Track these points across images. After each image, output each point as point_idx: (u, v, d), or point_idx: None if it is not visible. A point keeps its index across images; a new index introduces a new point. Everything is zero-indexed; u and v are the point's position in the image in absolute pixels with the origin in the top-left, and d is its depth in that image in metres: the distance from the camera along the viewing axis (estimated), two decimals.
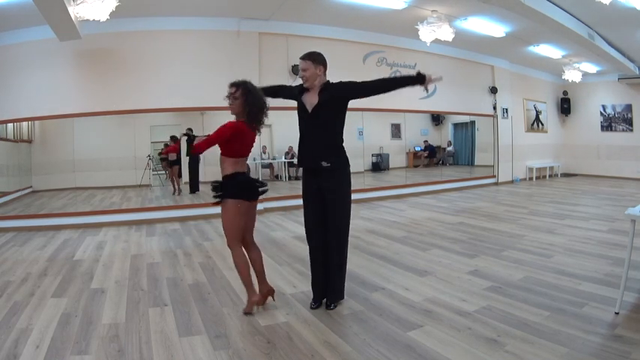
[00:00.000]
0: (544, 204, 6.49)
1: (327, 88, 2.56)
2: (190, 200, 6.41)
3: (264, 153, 7.64)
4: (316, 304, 2.61)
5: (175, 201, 6.32)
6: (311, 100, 2.55)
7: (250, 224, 2.63)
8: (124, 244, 4.50)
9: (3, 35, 5.36)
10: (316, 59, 2.57)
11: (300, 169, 2.66)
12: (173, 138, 6.55)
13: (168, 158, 6.61)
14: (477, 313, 2.46)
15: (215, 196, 2.51)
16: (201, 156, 6.40)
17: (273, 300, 2.68)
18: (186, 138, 6.34)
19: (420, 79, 2.53)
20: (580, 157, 11.03)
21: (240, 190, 2.49)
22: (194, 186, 6.65)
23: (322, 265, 2.59)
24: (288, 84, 3.02)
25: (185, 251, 4.13)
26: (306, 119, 2.57)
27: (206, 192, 6.58)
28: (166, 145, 6.66)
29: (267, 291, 2.65)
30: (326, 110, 2.52)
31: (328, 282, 2.60)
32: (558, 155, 11.10)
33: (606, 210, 5.80)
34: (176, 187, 6.58)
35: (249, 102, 2.53)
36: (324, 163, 2.49)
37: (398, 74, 7.73)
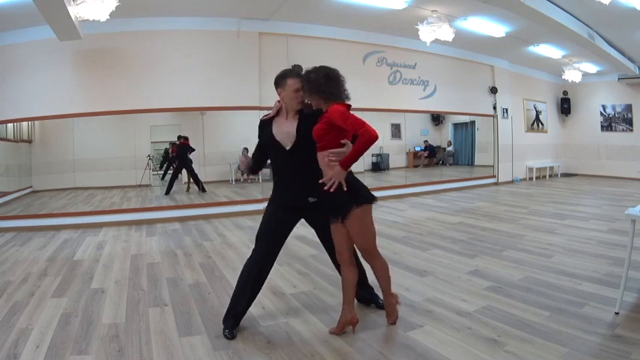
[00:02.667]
0: (544, 204, 6.49)
1: (307, 117, 2.28)
2: (190, 200, 6.41)
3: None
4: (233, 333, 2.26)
5: (175, 201, 6.32)
6: (286, 130, 2.30)
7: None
8: (124, 244, 4.50)
9: (3, 35, 5.36)
10: (277, 82, 2.41)
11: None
12: (183, 137, 6.58)
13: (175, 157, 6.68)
14: (477, 313, 2.46)
15: (354, 203, 2.12)
16: (191, 157, 6.49)
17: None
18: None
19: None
20: (580, 157, 11.03)
21: (367, 190, 2.20)
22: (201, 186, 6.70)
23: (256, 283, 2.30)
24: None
25: (185, 251, 4.13)
26: (282, 154, 2.29)
27: (208, 191, 6.59)
28: (173, 145, 6.68)
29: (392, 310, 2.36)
30: (306, 142, 2.23)
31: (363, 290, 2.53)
32: (558, 155, 11.10)
33: (606, 210, 5.80)
34: (189, 185, 6.68)
35: (318, 83, 2.14)
36: (312, 199, 2.26)
37: (398, 75, 7.80)
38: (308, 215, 2.38)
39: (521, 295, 2.72)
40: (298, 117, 2.30)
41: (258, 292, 2.34)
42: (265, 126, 2.37)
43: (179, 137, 6.49)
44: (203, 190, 6.62)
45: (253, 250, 2.33)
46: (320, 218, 2.32)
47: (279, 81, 2.35)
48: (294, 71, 2.35)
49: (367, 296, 2.60)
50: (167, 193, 6.58)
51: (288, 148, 2.25)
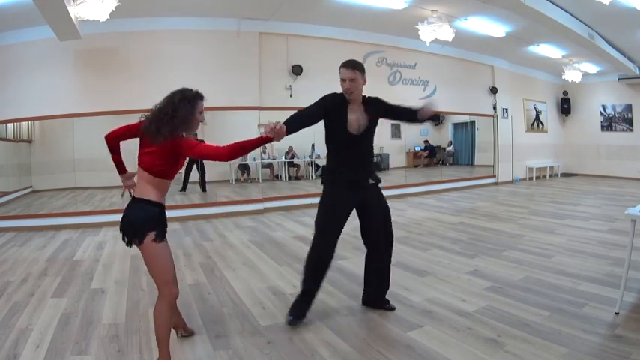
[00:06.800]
0: (544, 204, 6.49)
1: (371, 103, 2.46)
2: (190, 200, 6.41)
3: (264, 153, 7.65)
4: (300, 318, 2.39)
5: (175, 201, 6.33)
6: (357, 117, 2.38)
7: None
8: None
9: (3, 35, 5.36)
10: (362, 68, 2.43)
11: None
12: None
13: None
14: (477, 313, 2.46)
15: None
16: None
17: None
18: None
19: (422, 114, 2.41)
20: (580, 157, 11.02)
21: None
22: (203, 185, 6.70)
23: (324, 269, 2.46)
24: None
25: (185, 251, 4.13)
26: (352, 138, 2.38)
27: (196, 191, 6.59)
28: None
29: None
30: (372, 128, 2.44)
31: (383, 283, 2.59)
32: (558, 155, 11.09)
33: (606, 210, 5.80)
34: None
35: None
36: (371, 181, 2.46)
37: (398, 75, 7.80)
38: (367, 197, 2.45)
39: (521, 295, 2.72)
40: (363, 104, 2.43)
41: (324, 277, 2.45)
42: (339, 107, 2.39)
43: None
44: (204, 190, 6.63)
45: (315, 236, 2.42)
46: (375, 198, 2.46)
47: (363, 67, 2.44)
48: None
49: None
50: (183, 190, 6.60)
51: (359, 129, 2.38)
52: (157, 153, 1.89)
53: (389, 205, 2.55)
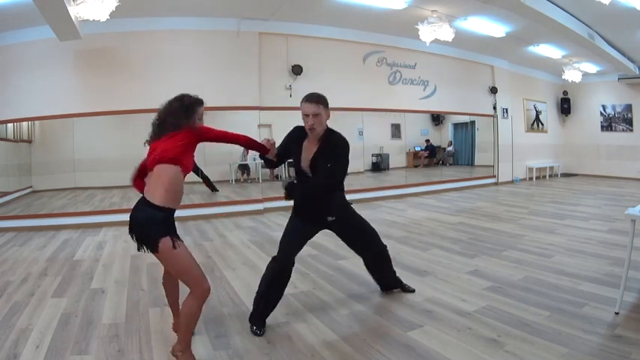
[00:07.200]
0: (544, 204, 6.49)
1: (329, 142, 2.28)
2: (190, 200, 6.41)
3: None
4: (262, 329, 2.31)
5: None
6: (310, 149, 2.31)
7: None
8: (124, 244, 4.49)
9: (3, 35, 5.36)
10: (326, 102, 2.30)
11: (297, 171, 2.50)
12: None
13: None
14: (477, 313, 2.46)
15: None
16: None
17: None
18: None
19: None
20: (580, 157, 11.02)
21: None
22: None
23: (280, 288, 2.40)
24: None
25: None
26: (305, 177, 2.33)
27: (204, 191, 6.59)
28: None
29: None
30: (325, 160, 2.25)
31: (384, 268, 2.76)
32: (558, 155, 11.09)
33: (606, 210, 5.80)
34: None
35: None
36: (330, 218, 2.40)
37: (398, 75, 7.80)
38: (330, 225, 2.50)
39: (521, 295, 2.72)
40: (319, 142, 2.32)
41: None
42: (297, 141, 2.38)
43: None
44: (214, 189, 6.67)
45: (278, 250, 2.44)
46: (340, 219, 2.49)
47: (327, 101, 2.32)
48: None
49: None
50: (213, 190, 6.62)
51: (308, 162, 2.34)
52: (162, 144, 1.91)
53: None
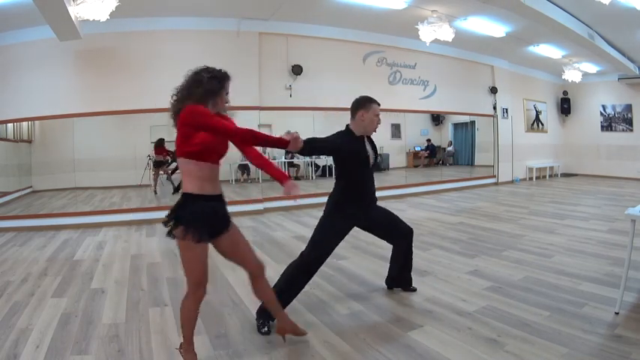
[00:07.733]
0: (544, 204, 6.49)
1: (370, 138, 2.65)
2: None
3: (265, 153, 7.64)
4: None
5: (174, 201, 6.34)
6: (369, 149, 2.58)
7: None
8: (124, 244, 4.50)
9: (3, 35, 5.36)
10: None
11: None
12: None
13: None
14: (477, 313, 2.46)
15: None
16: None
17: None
18: None
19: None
20: (580, 157, 11.02)
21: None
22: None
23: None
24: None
25: None
26: (367, 168, 2.58)
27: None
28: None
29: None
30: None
31: (408, 262, 2.82)
32: (558, 155, 11.10)
33: (606, 210, 5.80)
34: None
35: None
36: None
37: (398, 75, 7.80)
38: (370, 212, 2.61)
39: (521, 295, 2.72)
40: (365, 138, 2.56)
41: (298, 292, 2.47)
42: (353, 140, 2.50)
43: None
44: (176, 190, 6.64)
45: (305, 253, 2.45)
46: (372, 212, 2.62)
47: (366, 104, 2.48)
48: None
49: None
50: (176, 191, 6.58)
51: (372, 161, 2.56)
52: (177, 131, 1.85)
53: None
